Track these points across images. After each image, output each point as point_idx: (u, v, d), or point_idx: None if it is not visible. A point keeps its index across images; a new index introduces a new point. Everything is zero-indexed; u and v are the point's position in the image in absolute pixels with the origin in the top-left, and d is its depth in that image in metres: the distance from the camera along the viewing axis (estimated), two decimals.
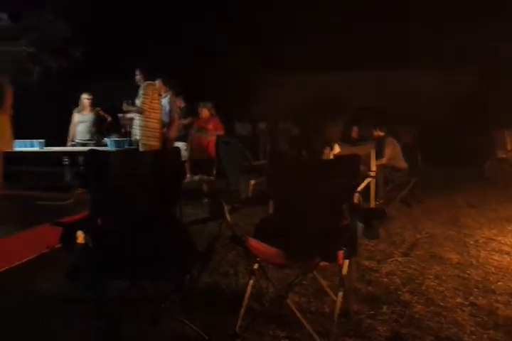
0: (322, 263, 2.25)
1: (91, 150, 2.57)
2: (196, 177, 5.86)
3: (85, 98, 7.06)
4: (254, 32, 10.85)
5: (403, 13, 10.13)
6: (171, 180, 2.71)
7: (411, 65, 10.31)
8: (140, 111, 5.80)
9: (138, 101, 5.82)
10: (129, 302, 2.66)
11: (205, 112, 6.86)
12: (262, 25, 10.78)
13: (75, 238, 2.19)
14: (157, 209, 2.60)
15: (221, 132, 6.98)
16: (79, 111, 7.11)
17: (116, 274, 2.31)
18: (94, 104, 7.11)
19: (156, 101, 5.84)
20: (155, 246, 2.41)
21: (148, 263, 2.34)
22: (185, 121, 7.79)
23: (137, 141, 5.92)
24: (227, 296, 2.94)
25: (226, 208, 2.43)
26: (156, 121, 5.86)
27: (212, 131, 6.86)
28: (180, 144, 6.76)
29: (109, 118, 7.20)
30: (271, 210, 2.81)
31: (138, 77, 5.95)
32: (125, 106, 6.07)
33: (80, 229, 2.20)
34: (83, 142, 7.03)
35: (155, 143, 5.75)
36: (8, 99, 5.18)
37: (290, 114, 10.36)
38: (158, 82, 6.26)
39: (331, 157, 5.08)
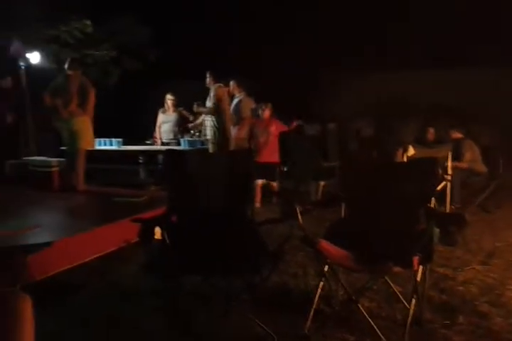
0: (395, 269, 2.19)
1: (168, 149, 2.67)
2: (260, 181, 5.79)
3: (169, 99, 7.25)
4: (324, 32, 10.75)
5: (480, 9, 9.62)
6: (243, 180, 2.76)
7: (490, 63, 9.75)
8: (211, 113, 5.94)
9: (209, 103, 5.97)
10: (201, 298, 2.74)
11: (266, 113, 6.80)
12: (332, 24, 10.66)
13: (153, 234, 2.29)
14: (230, 208, 2.66)
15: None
16: (163, 112, 7.32)
17: (190, 269, 2.39)
18: (176, 105, 7.29)
19: (226, 103, 5.95)
20: (227, 244, 2.47)
21: (221, 260, 2.40)
22: None
23: (208, 141, 6.08)
24: (296, 297, 2.95)
25: (298, 209, 2.44)
26: (225, 122, 5.98)
27: (275, 133, 6.77)
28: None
29: (191, 118, 7.43)
30: (342, 213, 2.78)
31: (208, 79, 6.09)
32: (195, 108, 6.24)
33: (157, 226, 2.30)
34: (166, 141, 7.25)
35: (224, 144, 5.87)
36: (91, 101, 5.51)
37: (360, 114, 10.15)
38: (232, 83, 6.36)
39: (405, 159, 4.92)
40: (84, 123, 5.51)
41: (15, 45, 7.70)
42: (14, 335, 1.51)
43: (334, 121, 10.18)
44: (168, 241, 2.28)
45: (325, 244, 2.44)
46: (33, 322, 1.56)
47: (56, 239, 3.29)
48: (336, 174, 5.02)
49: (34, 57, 8.11)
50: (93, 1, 8.60)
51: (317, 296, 2.44)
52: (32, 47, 8.09)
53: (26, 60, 7.98)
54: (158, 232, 2.30)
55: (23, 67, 7.84)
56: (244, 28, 10.93)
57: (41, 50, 8.21)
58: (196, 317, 2.60)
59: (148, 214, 2.75)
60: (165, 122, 7.33)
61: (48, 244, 1.90)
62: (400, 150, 5.33)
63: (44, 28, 8.31)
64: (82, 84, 5.48)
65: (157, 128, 7.36)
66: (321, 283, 2.45)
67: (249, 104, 6.79)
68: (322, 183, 5.48)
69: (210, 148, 6.00)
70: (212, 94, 5.98)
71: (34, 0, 7.90)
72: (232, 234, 2.54)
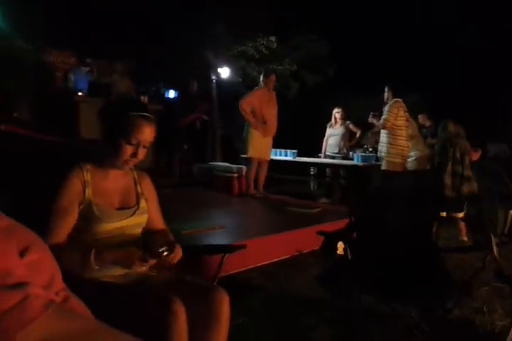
0: None
1: (354, 165, 2.68)
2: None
3: (336, 112, 7.35)
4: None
5: None
6: (429, 202, 2.63)
7: None
8: (381, 127, 5.81)
9: (382, 118, 5.84)
10: (377, 318, 2.68)
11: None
12: None
13: (336, 248, 2.31)
14: (414, 230, 2.55)
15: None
16: (331, 126, 7.46)
17: (369, 288, 2.35)
18: (344, 118, 7.36)
19: (402, 118, 5.73)
20: (410, 268, 2.37)
21: (401, 285, 2.31)
22: (433, 141, 7.46)
23: (382, 158, 5.93)
24: (480, 335, 2.69)
25: (494, 240, 2.23)
26: (403, 138, 5.76)
27: None
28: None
29: (359, 132, 7.39)
30: None
31: (386, 94, 5.94)
32: (370, 118, 6.16)
33: (340, 240, 2.32)
34: (332, 155, 7.35)
35: (399, 161, 5.63)
36: None
37: None
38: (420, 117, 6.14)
39: None
40: (252, 132, 5.86)
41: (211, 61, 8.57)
42: (214, 324, 1.65)
43: None
44: (350, 257, 2.27)
45: None
46: (229, 317, 1.70)
47: (237, 241, 3.54)
48: None
49: (224, 72, 8.91)
50: (278, 18, 9.12)
51: (509, 339, 2.19)
52: (222, 63, 8.91)
53: (217, 74, 8.80)
54: (341, 247, 2.31)
55: (214, 81, 8.66)
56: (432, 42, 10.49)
57: (230, 65, 8.98)
58: (368, 336, 2.54)
59: (328, 227, 2.78)
60: (332, 135, 7.41)
61: (243, 247, 2.04)
62: None
63: (233, 44, 9.08)
64: None
65: (324, 142, 7.48)
66: None
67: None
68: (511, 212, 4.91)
69: (384, 164, 5.82)
70: (386, 108, 5.84)
71: (225, 19, 8.68)
72: (416, 258, 2.43)
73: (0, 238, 0.78)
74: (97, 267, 1.55)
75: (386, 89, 5.95)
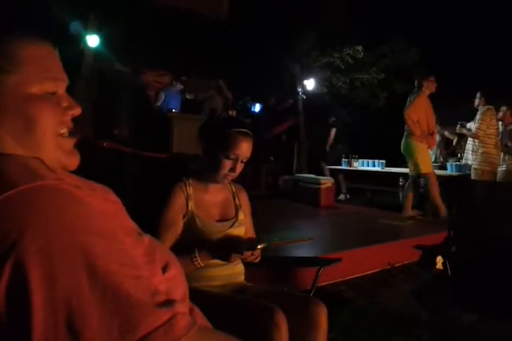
0: None
1: (453, 177, 2.57)
2: None
3: None
4: None
5: None
6: None
7: None
8: (474, 137, 5.49)
9: (473, 126, 5.52)
10: (476, 338, 2.53)
11: None
12: None
13: (435, 262, 2.23)
14: None
15: None
16: None
17: (468, 306, 2.24)
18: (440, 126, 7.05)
19: (493, 127, 5.39)
20: None
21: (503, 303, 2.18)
22: None
23: (469, 166, 5.60)
24: None
25: None
26: (491, 146, 5.41)
27: None
28: None
29: (455, 140, 7.06)
30: None
31: (477, 100, 5.62)
32: (458, 128, 5.85)
33: (439, 255, 2.23)
34: None
35: (487, 168, 5.27)
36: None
37: None
38: (504, 109, 5.71)
39: None
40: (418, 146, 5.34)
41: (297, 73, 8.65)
42: (313, 336, 1.66)
43: None
44: (450, 273, 2.18)
45: None
46: (327, 329, 1.70)
47: (326, 253, 3.52)
48: None
49: (310, 84, 8.95)
50: (365, 28, 8.99)
51: None
52: (308, 74, 8.96)
53: (303, 86, 8.87)
54: (439, 262, 2.23)
55: (301, 93, 8.73)
56: None
57: (315, 76, 9.00)
58: None
59: (425, 241, 2.68)
60: None
61: (339, 260, 2.04)
62: None
63: (319, 56, 9.09)
64: None
65: None
66: None
67: None
68: None
69: (473, 173, 5.47)
70: (478, 117, 5.52)
71: (312, 32, 8.72)
72: None
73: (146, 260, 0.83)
74: (201, 264, 1.63)
75: (478, 95, 5.65)
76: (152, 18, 7.02)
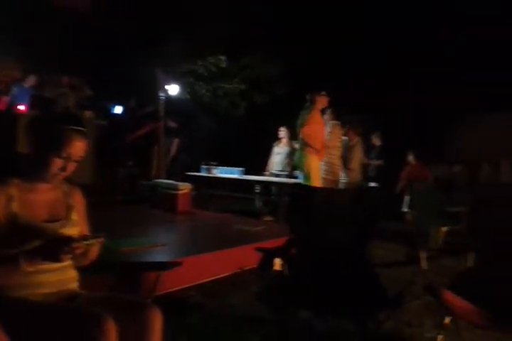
0: None
1: (295, 183, 2.74)
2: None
3: (282, 131, 7.52)
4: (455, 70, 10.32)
5: None
6: (366, 220, 2.72)
7: None
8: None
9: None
10: (313, 333, 2.71)
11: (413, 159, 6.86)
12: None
13: (273, 264, 2.34)
14: (351, 247, 2.63)
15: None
16: (277, 144, 7.61)
17: (303, 304, 2.39)
18: (289, 137, 7.51)
19: (339, 140, 5.97)
20: (345, 284, 2.43)
21: (336, 299, 2.37)
22: (377, 162, 7.78)
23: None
24: None
25: (423, 255, 2.33)
26: (335, 157, 5.99)
27: None
28: (372, 184, 6.80)
29: None
30: (470, 262, 2.59)
31: (327, 116, 6.14)
32: None
33: (278, 257, 2.35)
34: (276, 173, 7.48)
35: (330, 178, 5.85)
36: None
37: (492, 155, 9.41)
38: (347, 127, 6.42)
39: None
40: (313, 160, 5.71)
41: (160, 77, 8.56)
42: None
43: (463, 162, 9.59)
44: (286, 273, 2.31)
45: (449, 295, 2.28)
46: (161, 334, 1.68)
47: (178, 258, 3.50)
48: (462, 220, 4.73)
49: (173, 89, 8.90)
50: (229, 38, 9.25)
51: None
52: (171, 80, 8.91)
53: (166, 92, 8.78)
54: (278, 263, 2.34)
55: (162, 98, 8.63)
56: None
57: (179, 82, 8.99)
58: None
59: (268, 244, 2.81)
60: (277, 154, 7.57)
61: (179, 264, 2.03)
62: None
63: (183, 62, 9.12)
64: None
65: (270, 159, 7.60)
66: (440, 337, 2.29)
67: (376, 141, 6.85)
68: (444, 229, 5.15)
69: (321, 182, 6.01)
70: (328, 130, 6.05)
71: (176, 37, 8.73)
72: (352, 273, 2.50)
73: None
74: (30, 269, 1.53)
75: (328, 111, 6.16)
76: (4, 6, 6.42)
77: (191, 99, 9.30)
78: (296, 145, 7.43)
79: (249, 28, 9.57)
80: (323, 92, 5.51)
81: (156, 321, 1.66)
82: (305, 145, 5.42)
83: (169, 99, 8.76)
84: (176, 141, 8.31)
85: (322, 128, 5.56)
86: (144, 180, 7.18)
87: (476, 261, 2.55)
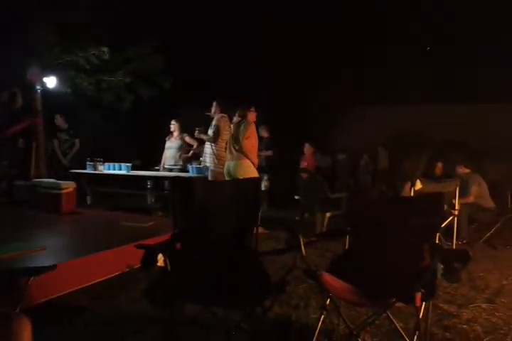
0: (397, 304, 2.17)
1: (175, 177, 2.71)
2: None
3: (172, 124, 7.40)
4: (338, 65, 10.94)
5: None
6: (249, 210, 2.77)
7: (502, 98, 9.82)
8: (212, 141, 6.06)
9: (210, 131, 6.07)
10: (201, 326, 2.72)
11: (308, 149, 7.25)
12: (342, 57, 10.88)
13: (156, 260, 2.29)
14: (234, 237, 2.66)
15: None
16: (169, 138, 7.48)
17: (190, 298, 2.38)
18: (181, 131, 7.41)
19: (226, 133, 6.05)
20: (230, 274, 2.46)
21: (222, 290, 2.39)
22: (267, 153, 7.98)
23: (207, 168, 6.13)
24: (296, 329, 2.91)
25: (302, 241, 2.44)
26: (223, 150, 6.08)
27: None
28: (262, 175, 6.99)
29: (195, 145, 7.51)
30: (347, 245, 2.77)
31: (213, 109, 6.18)
32: (197, 134, 6.32)
33: (160, 252, 2.31)
34: (169, 167, 7.34)
35: (220, 170, 5.95)
36: None
37: (371, 146, 10.19)
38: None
39: (412, 193, 4.92)
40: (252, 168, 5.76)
41: (32, 71, 7.93)
42: None
43: (345, 152, 10.24)
44: (169, 268, 2.28)
45: (328, 277, 2.42)
46: None
47: (60, 261, 3.31)
48: (343, 205, 5.04)
49: (50, 82, 8.31)
50: (111, 29, 8.84)
51: (318, 330, 2.41)
52: (49, 72, 8.31)
53: (43, 84, 8.17)
54: (161, 259, 2.30)
55: (39, 91, 8.03)
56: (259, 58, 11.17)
57: (58, 74, 8.41)
58: None
59: (153, 241, 2.75)
60: (169, 148, 7.44)
61: (52, 268, 1.91)
62: (408, 185, 5.33)
63: (62, 53, 8.53)
64: None
65: (163, 154, 7.48)
66: (322, 317, 2.42)
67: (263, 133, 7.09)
68: (328, 214, 5.47)
69: (211, 175, 6.04)
70: (214, 122, 6.09)
71: (53, 26, 8.15)
72: (235, 263, 2.54)
73: None
74: None
75: (214, 104, 6.17)
76: None
77: (72, 93, 8.75)
78: (187, 139, 7.38)
79: (134, 19, 9.26)
80: (252, 108, 5.76)
81: (25, 332, 1.57)
82: (243, 156, 5.63)
83: (47, 92, 8.17)
84: (77, 142, 7.88)
85: (257, 141, 5.82)
86: (22, 181, 6.65)
87: (350, 244, 2.72)
